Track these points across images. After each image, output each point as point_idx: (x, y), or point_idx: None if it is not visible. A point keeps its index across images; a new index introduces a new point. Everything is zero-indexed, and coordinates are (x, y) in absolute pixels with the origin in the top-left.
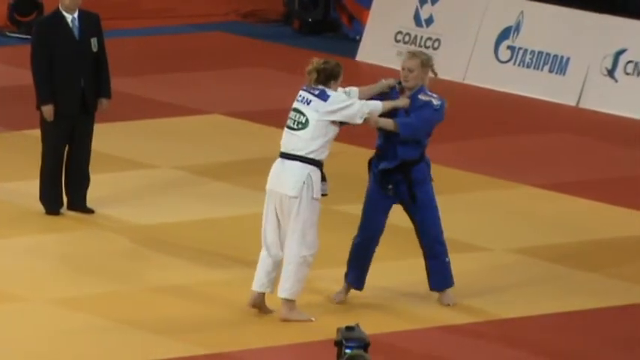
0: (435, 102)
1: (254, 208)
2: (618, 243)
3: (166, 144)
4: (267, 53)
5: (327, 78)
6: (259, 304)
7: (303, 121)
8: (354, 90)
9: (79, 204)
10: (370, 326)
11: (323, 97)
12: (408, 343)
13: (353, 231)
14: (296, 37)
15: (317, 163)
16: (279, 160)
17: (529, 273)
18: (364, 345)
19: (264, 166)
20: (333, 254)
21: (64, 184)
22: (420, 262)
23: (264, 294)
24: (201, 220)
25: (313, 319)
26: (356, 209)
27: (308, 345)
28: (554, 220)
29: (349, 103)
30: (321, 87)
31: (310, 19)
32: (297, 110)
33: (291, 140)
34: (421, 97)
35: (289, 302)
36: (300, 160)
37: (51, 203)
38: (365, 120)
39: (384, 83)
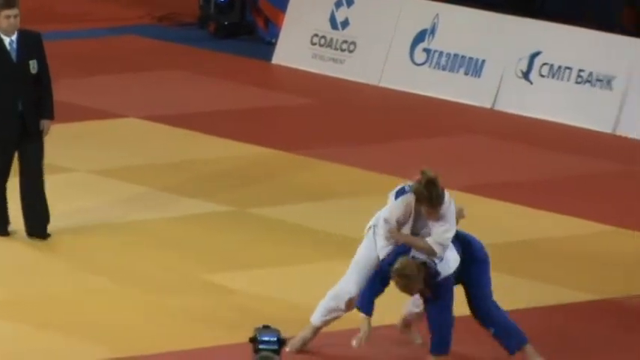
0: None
1: (170, 212)
2: (534, 245)
3: (82, 148)
4: (183, 56)
5: None
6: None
7: None
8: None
9: (37, 231)
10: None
11: None
12: (328, 343)
13: (263, 232)
14: (212, 41)
15: None
16: None
17: None
18: (278, 341)
19: (180, 170)
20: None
21: (22, 214)
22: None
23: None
24: (117, 223)
25: None
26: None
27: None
28: (469, 223)
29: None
30: None
31: (226, 22)
32: None
33: None
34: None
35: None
36: None
37: None
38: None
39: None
